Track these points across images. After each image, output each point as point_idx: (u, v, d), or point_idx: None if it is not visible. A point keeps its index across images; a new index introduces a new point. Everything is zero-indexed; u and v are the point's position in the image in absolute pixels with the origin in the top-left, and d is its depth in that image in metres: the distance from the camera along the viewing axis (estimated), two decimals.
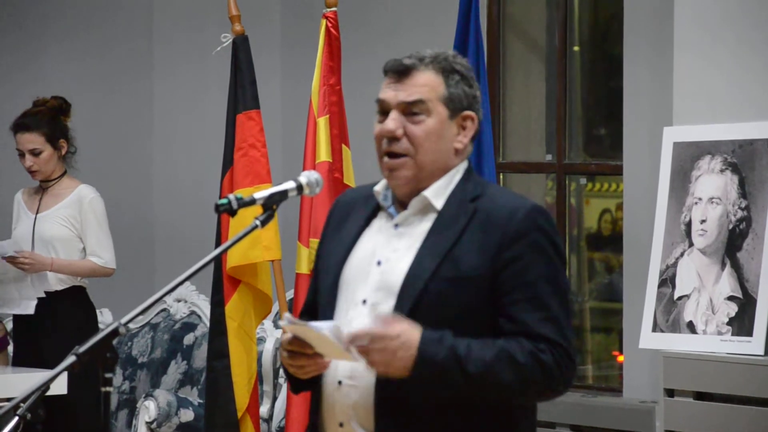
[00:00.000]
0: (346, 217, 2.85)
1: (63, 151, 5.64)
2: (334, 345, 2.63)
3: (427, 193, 2.76)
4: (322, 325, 2.66)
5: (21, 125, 5.61)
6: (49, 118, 5.63)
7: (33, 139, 5.58)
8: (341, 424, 2.74)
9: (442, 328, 2.65)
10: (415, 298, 2.68)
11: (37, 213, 5.64)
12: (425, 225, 2.76)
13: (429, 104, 2.74)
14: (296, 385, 2.84)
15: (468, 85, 2.79)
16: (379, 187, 2.82)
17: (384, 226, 2.80)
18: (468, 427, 2.69)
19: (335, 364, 2.73)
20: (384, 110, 2.77)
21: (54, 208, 5.62)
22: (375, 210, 2.83)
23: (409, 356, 2.62)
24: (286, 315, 2.69)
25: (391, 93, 2.76)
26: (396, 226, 2.78)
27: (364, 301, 2.75)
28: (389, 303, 2.71)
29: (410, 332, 2.63)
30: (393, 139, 2.74)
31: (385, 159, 2.76)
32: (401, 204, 2.79)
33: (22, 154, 5.62)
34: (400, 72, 2.76)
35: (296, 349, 2.70)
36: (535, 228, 2.70)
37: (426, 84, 2.75)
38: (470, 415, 2.68)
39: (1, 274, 5.52)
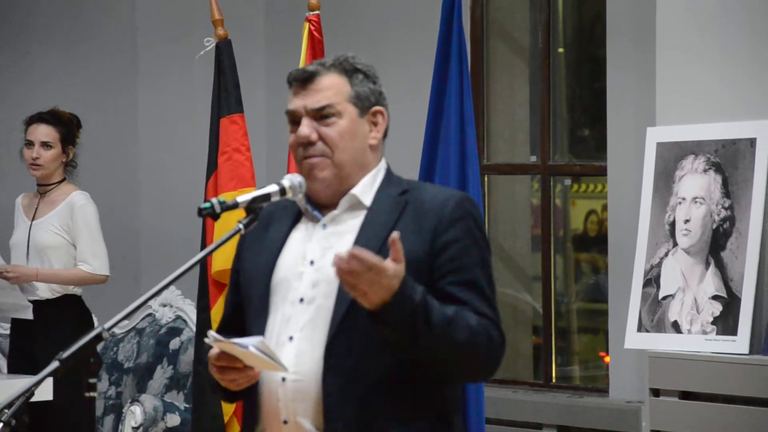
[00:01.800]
0: (266, 228, 2.87)
1: (67, 158, 5.67)
2: (262, 359, 2.65)
3: (355, 190, 2.81)
4: (247, 342, 2.67)
5: (40, 117, 5.65)
6: (67, 122, 5.67)
7: (48, 132, 5.62)
8: (285, 422, 2.75)
9: None
10: None
11: (32, 220, 5.64)
12: (356, 221, 2.80)
13: (338, 106, 2.80)
14: (229, 395, 2.83)
15: (372, 82, 2.85)
16: (300, 195, 2.83)
17: (310, 229, 2.83)
18: (416, 413, 2.73)
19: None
20: (295, 120, 2.82)
21: (48, 215, 5.62)
22: (296, 217, 2.86)
23: (388, 288, 2.61)
24: (210, 333, 2.70)
25: (299, 102, 2.82)
26: (324, 226, 2.82)
27: (302, 300, 2.77)
28: (330, 297, 2.73)
29: (401, 270, 2.63)
30: (308, 144, 2.79)
31: (304, 162, 2.80)
32: (324, 207, 2.83)
33: (29, 145, 5.62)
34: (304, 80, 2.82)
35: (225, 364, 2.71)
36: (467, 215, 2.79)
37: (331, 86, 2.81)
38: (417, 401, 2.73)
39: None
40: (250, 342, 2.66)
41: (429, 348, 2.69)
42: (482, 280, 2.77)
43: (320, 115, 2.80)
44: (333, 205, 2.82)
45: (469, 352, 2.72)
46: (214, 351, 2.73)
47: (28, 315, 5.51)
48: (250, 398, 2.82)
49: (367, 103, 2.84)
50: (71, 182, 5.72)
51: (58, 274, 5.54)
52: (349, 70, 2.83)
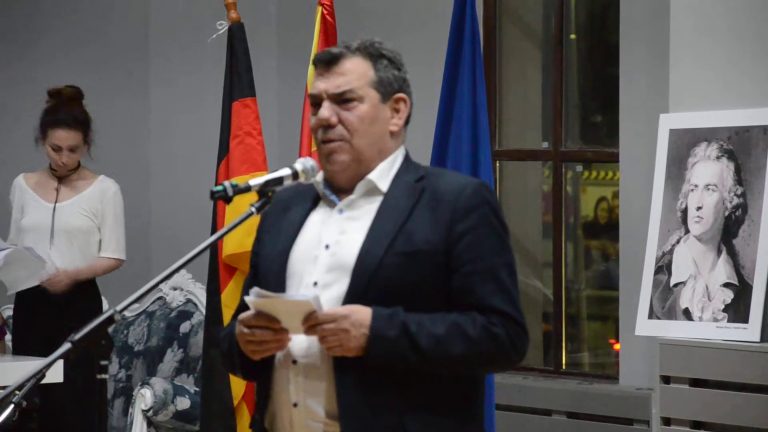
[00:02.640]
0: (285, 212, 2.87)
1: (88, 148, 5.74)
2: (307, 310, 2.66)
3: (372, 176, 2.80)
4: (304, 294, 2.70)
5: (61, 122, 5.67)
6: (81, 112, 5.71)
7: (73, 137, 5.68)
8: (295, 404, 2.75)
9: (396, 304, 2.69)
10: (370, 274, 2.71)
11: (56, 203, 5.67)
12: (372, 207, 2.79)
13: (359, 91, 2.79)
14: (246, 370, 2.84)
15: (397, 69, 2.84)
16: (318, 178, 2.84)
17: (327, 213, 2.83)
18: (430, 400, 2.73)
19: (292, 344, 2.74)
20: (317, 102, 2.82)
21: (75, 198, 5.68)
22: (315, 202, 2.86)
23: (362, 335, 2.66)
24: (255, 289, 2.70)
25: (321, 85, 2.81)
26: (341, 211, 2.81)
27: (315, 283, 2.77)
28: (343, 282, 2.73)
29: (360, 312, 2.67)
30: (328, 127, 2.78)
31: (323, 146, 2.80)
32: (342, 192, 2.82)
33: (56, 149, 5.65)
34: (328, 62, 2.81)
35: (263, 323, 2.71)
36: (484, 202, 2.77)
37: (354, 70, 2.80)
38: (431, 387, 2.73)
39: (7, 261, 5.53)
40: (302, 294, 2.69)
41: (426, 367, 2.70)
42: (500, 268, 2.75)
43: (341, 99, 2.79)
44: (350, 190, 2.82)
45: (471, 362, 2.72)
46: (250, 313, 2.72)
47: (42, 278, 5.55)
48: (262, 381, 2.82)
49: (390, 90, 2.82)
50: (89, 168, 5.76)
51: (94, 269, 5.67)
52: (374, 54, 2.82)
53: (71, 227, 5.63)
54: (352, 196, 2.81)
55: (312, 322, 2.67)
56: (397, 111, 2.83)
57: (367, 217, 2.78)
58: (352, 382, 2.70)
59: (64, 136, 5.65)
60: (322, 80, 2.81)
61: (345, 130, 2.79)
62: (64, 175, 5.72)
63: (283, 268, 2.81)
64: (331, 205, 2.83)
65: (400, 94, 2.83)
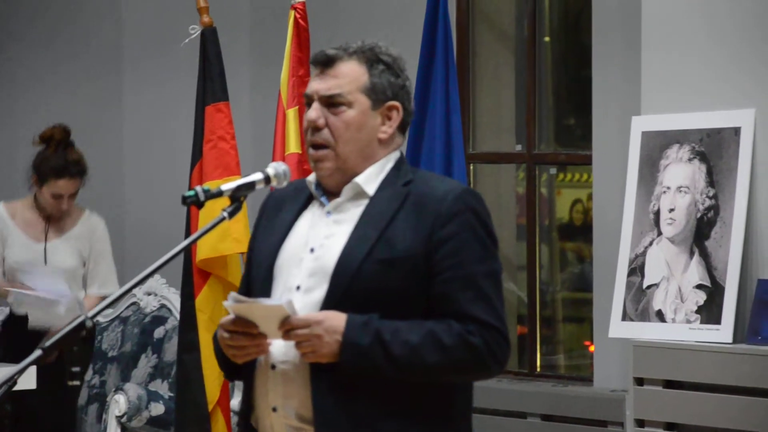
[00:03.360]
0: (279, 210, 2.87)
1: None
2: (282, 316, 2.66)
3: (359, 179, 2.78)
4: (278, 300, 2.70)
5: (63, 171, 5.63)
6: (78, 156, 5.68)
7: (75, 184, 5.66)
8: (274, 409, 2.75)
9: (374, 311, 2.67)
10: (348, 281, 2.70)
11: (45, 242, 5.65)
12: (358, 210, 2.78)
13: (349, 96, 2.77)
14: (229, 371, 2.85)
15: (394, 75, 2.80)
16: (311, 178, 2.84)
17: (316, 214, 2.82)
18: (406, 406, 2.71)
19: (271, 348, 2.74)
20: (309, 103, 2.81)
21: (63, 237, 5.67)
22: (307, 201, 2.85)
23: (334, 341, 2.65)
24: (232, 294, 2.70)
25: (314, 86, 2.80)
26: (328, 213, 2.80)
27: (298, 287, 2.76)
28: (324, 287, 2.73)
29: (334, 318, 2.66)
30: (316, 129, 2.77)
31: (310, 150, 2.79)
32: (332, 194, 2.81)
33: (57, 197, 5.63)
34: (324, 63, 2.80)
35: (241, 328, 2.71)
36: (467, 209, 2.73)
37: (348, 74, 2.78)
38: (408, 394, 2.70)
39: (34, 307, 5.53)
40: (276, 300, 2.68)
41: (400, 375, 2.68)
42: (481, 277, 2.71)
43: (330, 102, 2.78)
44: (339, 192, 2.81)
45: (446, 370, 2.69)
46: (229, 317, 2.73)
47: (61, 311, 5.50)
48: (246, 385, 2.82)
49: (382, 96, 2.79)
50: (77, 206, 5.74)
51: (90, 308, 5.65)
52: (371, 59, 2.79)
53: (64, 267, 5.61)
54: (339, 199, 2.80)
55: (287, 327, 2.66)
56: (389, 118, 2.80)
57: (352, 221, 2.77)
58: (328, 389, 2.69)
59: (66, 186, 5.62)
60: (316, 81, 2.80)
61: (330, 135, 2.77)
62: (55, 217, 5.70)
63: (270, 270, 2.80)
64: (321, 205, 2.83)
65: (393, 102, 2.79)
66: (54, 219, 5.70)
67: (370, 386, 2.69)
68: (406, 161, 2.85)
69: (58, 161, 5.64)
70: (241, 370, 2.81)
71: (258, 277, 2.83)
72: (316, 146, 2.78)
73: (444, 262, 2.70)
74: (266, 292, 2.80)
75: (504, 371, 6.00)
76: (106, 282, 5.69)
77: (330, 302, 2.71)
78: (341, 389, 2.69)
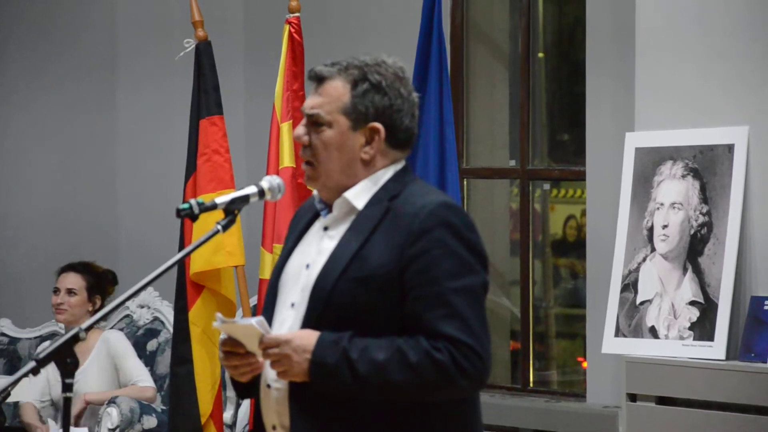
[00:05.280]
0: (297, 224, 2.88)
1: (93, 307, 5.74)
2: (257, 335, 2.67)
3: (348, 194, 2.77)
4: (249, 319, 2.69)
5: (70, 266, 5.75)
6: (98, 273, 5.77)
7: (75, 280, 5.72)
8: (274, 427, 2.77)
9: (350, 328, 2.66)
10: (325, 298, 2.69)
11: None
12: (346, 226, 2.77)
13: (327, 116, 2.74)
14: (239, 390, 2.86)
15: (381, 95, 2.75)
16: (316, 192, 2.84)
17: (317, 230, 2.83)
18: (382, 426, 2.68)
19: (266, 367, 2.74)
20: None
21: (87, 364, 5.65)
22: (315, 216, 2.85)
23: (304, 360, 2.64)
24: (218, 315, 2.71)
25: (306, 102, 2.81)
26: (325, 228, 2.80)
27: (293, 304, 2.77)
28: (306, 304, 2.73)
29: (304, 337, 2.65)
30: (304, 145, 2.78)
31: (303, 164, 2.82)
32: (331, 209, 2.81)
33: (56, 292, 5.68)
34: (315, 80, 2.80)
35: (229, 348, 2.72)
36: (440, 224, 2.67)
37: (330, 94, 2.76)
38: (384, 415, 2.68)
39: None
40: (252, 319, 2.68)
41: (368, 394, 2.66)
42: (452, 293, 2.65)
43: (312, 121, 2.77)
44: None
45: (412, 388, 2.65)
46: (222, 336, 2.74)
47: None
48: (255, 404, 2.83)
49: (363, 118, 2.75)
50: (97, 326, 5.77)
51: (137, 395, 5.68)
52: (357, 78, 2.75)
53: (95, 388, 5.62)
54: (332, 215, 2.80)
55: (261, 346, 2.67)
56: (372, 139, 2.76)
57: (340, 236, 2.77)
58: (304, 409, 2.69)
59: (65, 278, 5.71)
60: (309, 97, 2.82)
61: (312, 153, 2.78)
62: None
63: (275, 287, 2.82)
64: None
65: (374, 123, 2.75)
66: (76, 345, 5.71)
67: (346, 406, 2.68)
68: (409, 172, 2.81)
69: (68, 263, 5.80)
70: (251, 389, 2.81)
71: (268, 295, 2.84)
72: (305, 162, 2.80)
73: (414, 279, 2.66)
74: (271, 309, 2.81)
75: (497, 386, 6.05)
76: (144, 378, 5.68)
77: (309, 320, 2.71)
78: (317, 409, 2.69)
